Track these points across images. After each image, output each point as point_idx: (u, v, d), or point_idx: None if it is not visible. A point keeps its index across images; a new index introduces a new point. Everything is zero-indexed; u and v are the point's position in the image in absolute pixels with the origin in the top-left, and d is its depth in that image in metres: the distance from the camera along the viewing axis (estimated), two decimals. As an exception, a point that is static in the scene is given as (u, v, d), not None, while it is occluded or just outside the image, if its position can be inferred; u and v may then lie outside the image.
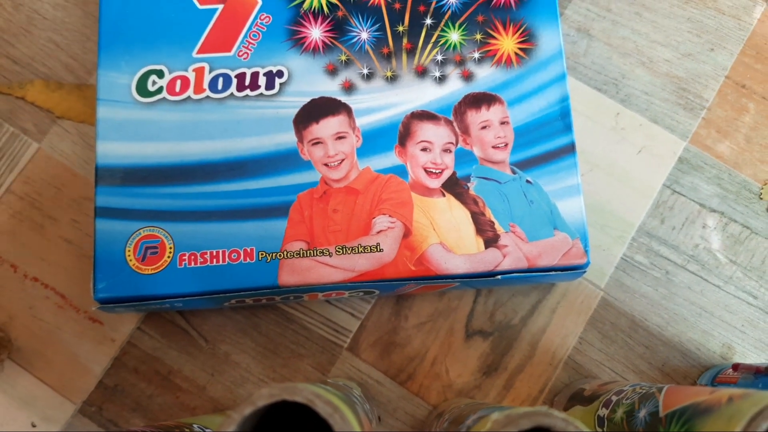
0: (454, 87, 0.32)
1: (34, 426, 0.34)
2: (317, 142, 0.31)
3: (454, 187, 0.31)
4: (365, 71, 0.32)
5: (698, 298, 0.35)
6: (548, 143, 0.32)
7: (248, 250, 0.30)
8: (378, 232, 0.30)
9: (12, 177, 0.36)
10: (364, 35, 0.33)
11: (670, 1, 0.39)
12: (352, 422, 0.17)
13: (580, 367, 0.35)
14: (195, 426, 0.26)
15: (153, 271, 0.30)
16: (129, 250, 0.30)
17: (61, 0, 0.39)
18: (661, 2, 0.39)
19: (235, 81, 0.32)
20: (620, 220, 0.36)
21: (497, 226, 0.31)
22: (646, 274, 0.36)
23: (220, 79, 0.32)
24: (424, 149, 0.31)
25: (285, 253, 0.30)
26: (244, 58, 0.32)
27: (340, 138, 0.31)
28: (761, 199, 0.37)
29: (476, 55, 0.32)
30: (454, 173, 0.31)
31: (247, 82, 0.32)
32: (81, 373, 0.35)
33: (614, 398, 0.27)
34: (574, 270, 0.31)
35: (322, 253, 0.30)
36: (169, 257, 0.30)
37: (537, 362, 0.35)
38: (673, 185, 0.37)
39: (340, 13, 0.33)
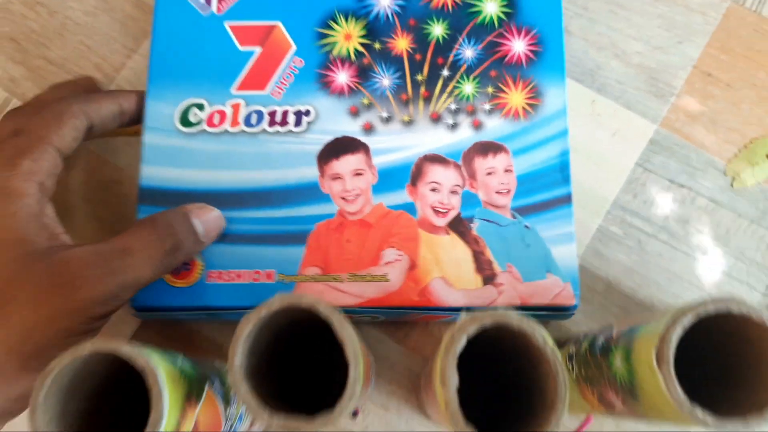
0: (465, 134, 0.35)
1: None
2: (337, 177, 0.35)
3: (458, 226, 0.34)
4: (385, 115, 0.35)
5: (669, 265, 0.39)
6: (547, 192, 0.34)
7: (269, 272, 0.34)
8: (386, 263, 0.34)
9: None
10: (386, 82, 0.36)
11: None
12: (349, 327, 0.20)
13: (561, 325, 0.38)
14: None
15: (184, 285, 0.34)
16: (163, 265, 0.34)
17: (90, 8, 0.43)
18: (634, 1, 0.43)
19: (267, 117, 0.36)
20: (597, 196, 0.40)
21: (495, 265, 0.34)
22: (621, 243, 0.39)
23: (254, 115, 0.36)
24: (433, 189, 0.35)
25: (301, 276, 0.33)
26: (277, 97, 0.36)
27: (357, 174, 0.35)
28: (726, 175, 0.41)
29: (487, 106, 0.36)
30: (459, 214, 0.34)
31: (278, 119, 0.35)
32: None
33: (582, 336, 0.30)
34: (563, 311, 0.33)
35: (335, 279, 0.33)
36: (199, 273, 0.34)
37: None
38: (644, 164, 0.41)
39: (365, 61, 0.36)
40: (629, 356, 0.22)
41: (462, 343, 0.19)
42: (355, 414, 0.34)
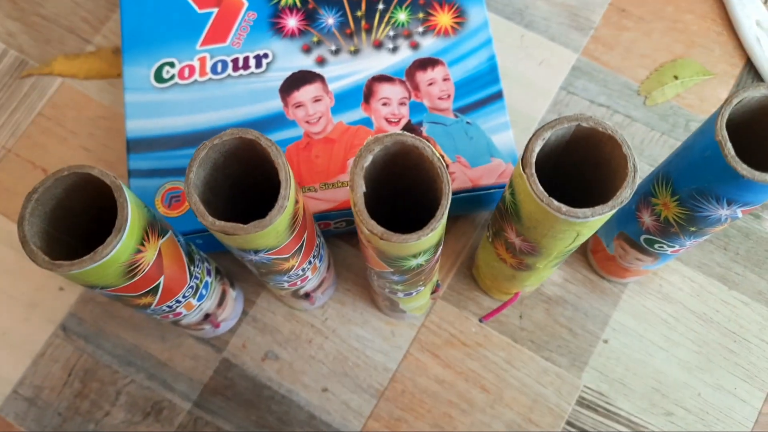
0: (405, 55, 0.41)
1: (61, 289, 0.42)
2: (299, 105, 0.40)
3: (410, 131, 0.39)
4: (333, 48, 0.41)
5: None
6: (481, 92, 0.40)
7: (251, 191, 0.38)
8: (352, 170, 0.38)
9: (42, 103, 0.46)
10: (331, 20, 0.41)
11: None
12: (284, 157, 0.24)
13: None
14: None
15: (177, 214, 0.38)
16: (158, 200, 0.38)
17: None
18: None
19: (231, 64, 0.40)
20: (526, 116, 0.46)
21: (446, 158, 0.39)
22: None
23: (219, 64, 0.41)
24: (384, 104, 0.40)
25: (280, 192, 0.38)
26: (237, 47, 0.41)
27: (317, 101, 0.40)
28: (639, 94, 0.46)
29: (420, 29, 0.41)
30: (409, 121, 0.39)
31: (241, 64, 0.40)
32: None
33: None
34: (509, 186, 0.38)
35: (310, 189, 0.38)
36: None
37: (462, 223, 0.44)
38: (568, 87, 0.46)
39: (310, 6, 0.41)
40: (512, 182, 0.27)
41: (368, 159, 0.24)
42: (307, 296, 0.38)
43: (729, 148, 0.24)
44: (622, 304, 0.42)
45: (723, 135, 0.25)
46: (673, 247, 0.33)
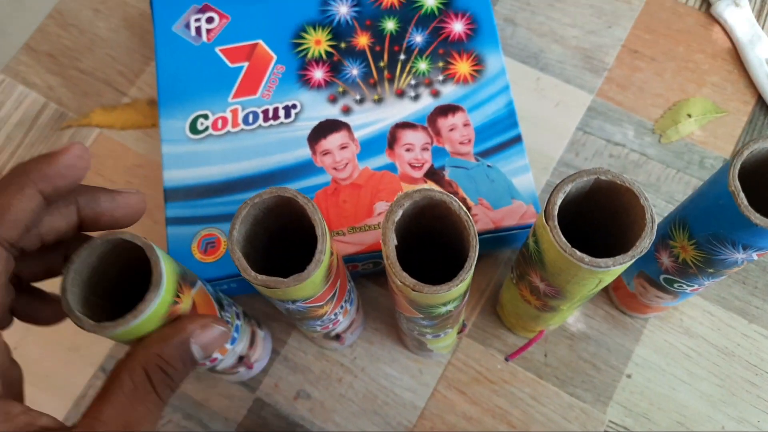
0: (426, 102, 0.42)
1: None
2: (326, 153, 0.42)
3: (433, 175, 0.41)
4: (358, 97, 0.43)
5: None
6: (501, 137, 0.41)
7: (282, 237, 0.40)
8: (378, 214, 0.40)
9: None
10: (355, 71, 0.43)
11: (575, -8, 0.52)
12: (320, 213, 0.26)
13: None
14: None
15: (213, 260, 0.40)
16: (194, 246, 0.40)
17: (113, 25, 0.53)
18: (569, -6, 0.52)
19: (261, 115, 0.43)
20: (545, 156, 0.47)
21: (468, 201, 0.40)
22: None
23: (251, 115, 0.43)
24: (407, 150, 0.41)
25: (310, 236, 0.40)
26: (267, 98, 0.43)
27: (343, 148, 0.42)
28: (654, 133, 0.48)
29: (440, 77, 0.43)
30: (432, 165, 0.41)
31: (271, 115, 0.43)
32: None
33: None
34: (530, 227, 0.40)
35: (338, 233, 0.40)
36: (224, 249, 0.40)
37: (486, 261, 0.46)
38: (584, 127, 0.48)
39: (335, 58, 0.44)
40: (535, 231, 0.28)
41: (398, 214, 0.26)
42: (338, 337, 0.39)
43: (742, 198, 0.26)
44: (644, 339, 0.43)
45: (736, 185, 0.26)
46: (692, 286, 0.34)
